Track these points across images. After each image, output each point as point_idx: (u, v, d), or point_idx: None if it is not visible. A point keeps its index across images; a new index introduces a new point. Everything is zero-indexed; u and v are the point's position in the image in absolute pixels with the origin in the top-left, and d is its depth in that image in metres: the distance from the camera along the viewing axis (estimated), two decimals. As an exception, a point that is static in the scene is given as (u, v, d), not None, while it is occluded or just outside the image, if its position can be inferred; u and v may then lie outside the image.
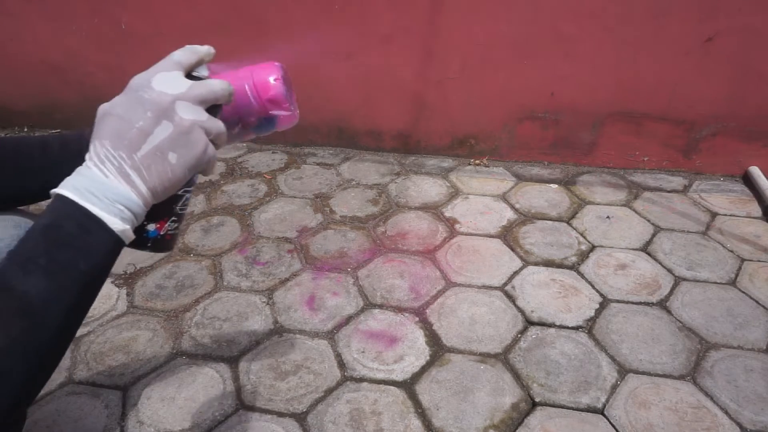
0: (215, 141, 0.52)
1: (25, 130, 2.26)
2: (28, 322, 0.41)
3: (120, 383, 1.15)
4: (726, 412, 1.08)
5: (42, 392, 1.12)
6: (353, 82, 1.96)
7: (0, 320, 0.40)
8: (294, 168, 2.00)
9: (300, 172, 1.98)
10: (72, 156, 0.67)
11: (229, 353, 1.22)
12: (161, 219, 0.58)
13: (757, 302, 1.36)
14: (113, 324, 1.30)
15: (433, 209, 1.75)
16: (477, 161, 2.03)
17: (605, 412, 1.09)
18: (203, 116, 0.50)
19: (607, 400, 1.11)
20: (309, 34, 1.87)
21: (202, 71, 0.54)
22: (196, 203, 1.78)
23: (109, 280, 1.43)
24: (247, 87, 0.66)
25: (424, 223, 1.67)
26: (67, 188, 0.45)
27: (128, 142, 0.46)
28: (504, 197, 1.81)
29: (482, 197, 1.81)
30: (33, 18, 2.00)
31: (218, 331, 1.28)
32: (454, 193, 1.84)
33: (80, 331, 1.28)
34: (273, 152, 2.12)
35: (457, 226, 1.66)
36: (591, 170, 1.97)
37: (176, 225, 0.60)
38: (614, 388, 1.14)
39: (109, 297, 1.38)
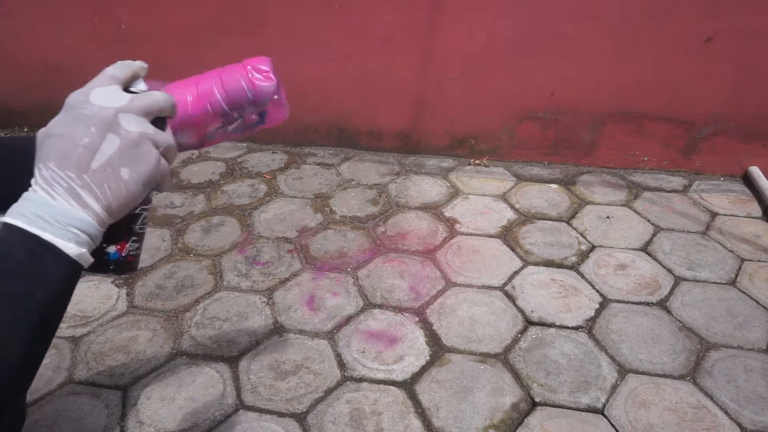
0: (166, 155, 0.50)
1: (25, 130, 2.26)
2: None
3: (120, 383, 1.15)
4: (726, 412, 1.08)
5: (42, 392, 1.12)
6: (353, 82, 1.96)
7: None
8: (294, 168, 2.00)
9: (300, 172, 1.98)
10: None
11: (229, 353, 1.22)
12: (121, 240, 0.56)
13: (757, 302, 1.36)
14: (113, 324, 1.30)
15: (433, 209, 1.75)
16: (477, 161, 2.03)
17: (605, 412, 1.09)
18: (150, 128, 0.48)
19: (607, 400, 1.11)
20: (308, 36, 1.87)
21: (140, 85, 0.53)
22: (196, 203, 1.78)
23: (108, 281, 1.43)
24: (242, 81, 0.67)
25: (424, 223, 1.67)
26: (13, 215, 0.43)
27: (75, 160, 0.44)
28: (504, 197, 1.81)
29: (482, 197, 1.81)
30: (33, 18, 2.00)
31: (218, 331, 1.28)
32: (454, 193, 1.84)
33: (80, 331, 1.28)
34: (273, 152, 2.12)
35: (457, 226, 1.66)
36: (591, 170, 1.97)
37: (137, 245, 0.59)
38: (614, 388, 1.14)
39: (109, 297, 1.38)
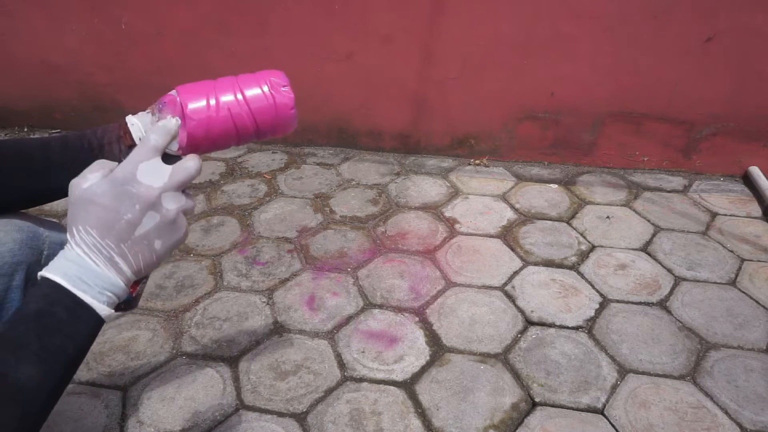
0: (187, 216, 0.55)
1: (25, 130, 2.26)
2: (18, 410, 0.42)
3: (120, 383, 1.15)
4: (726, 412, 1.08)
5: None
6: (353, 82, 1.96)
7: None
8: (294, 168, 2.00)
9: (300, 172, 1.98)
10: (72, 159, 0.67)
11: (229, 353, 1.22)
12: (135, 284, 0.60)
13: (757, 302, 1.36)
14: (113, 324, 1.30)
15: (433, 209, 1.75)
16: (477, 161, 2.03)
17: (605, 412, 1.09)
18: (182, 200, 0.52)
19: (607, 400, 1.11)
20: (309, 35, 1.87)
21: (173, 145, 0.57)
22: (196, 203, 1.78)
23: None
24: (271, 112, 0.66)
25: (424, 223, 1.67)
26: (56, 274, 0.47)
27: (116, 232, 0.48)
28: (504, 197, 1.81)
29: (482, 197, 1.81)
30: (33, 18, 2.00)
31: (218, 331, 1.28)
32: (454, 193, 1.84)
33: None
34: (273, 152, 2.12)
35: (457, 226, 1.66)
36: (591, 170, 1.97)
37: (145, 284, 0.63)
38: (614, 388, 1.14)
39: (109, 297, 1.38)
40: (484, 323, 1.30)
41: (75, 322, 0.46)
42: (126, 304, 0.60)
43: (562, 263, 1.50)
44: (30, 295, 0.47)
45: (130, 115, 0.68)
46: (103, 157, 0.68)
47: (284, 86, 0.66)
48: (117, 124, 0.69)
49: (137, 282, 0.61)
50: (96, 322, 0.48)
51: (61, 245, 0.72)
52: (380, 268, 1.48)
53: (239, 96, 0.64)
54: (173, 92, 0.65)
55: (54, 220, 0.78)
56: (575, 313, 1.33)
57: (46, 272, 0.47)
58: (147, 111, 0.68)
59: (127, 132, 0.68)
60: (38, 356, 0.44)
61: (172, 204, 0.51)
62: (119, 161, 0.69)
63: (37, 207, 0.70)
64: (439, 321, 1.30)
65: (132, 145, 0.69)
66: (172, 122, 0.55)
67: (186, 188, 0.55)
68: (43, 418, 0.46)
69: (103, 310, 0.48)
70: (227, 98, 0.64)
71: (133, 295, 0.61)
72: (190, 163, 0.53)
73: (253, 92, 0.64)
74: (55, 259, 0.48)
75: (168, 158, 0.54)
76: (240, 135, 0.65)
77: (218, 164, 2.02)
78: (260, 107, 0.65)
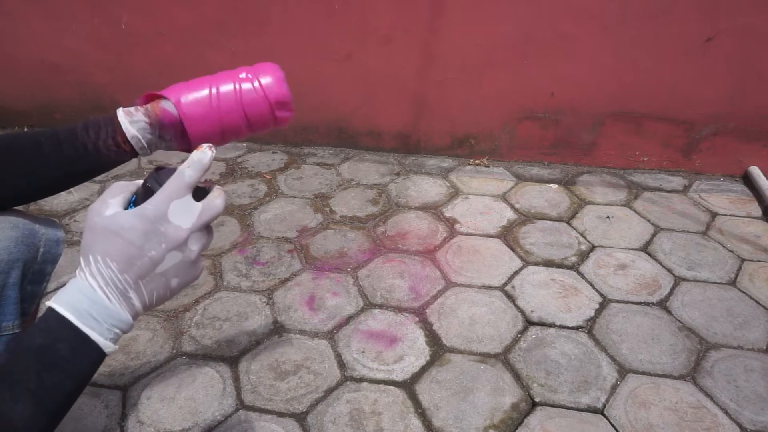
0: (203, 251, 0.54)
1: (25, 130, 2.26)
2: None
3: (120, 383, 1.15)
4: (726, 412, 1.08)
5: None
6: (353, 82, 1.96)
7: None
8: (294, 168, 2.00)
9: (300, 172, 1.98)
10: (65, 156, 0.67)
11: (229, 353, 1.22)
12: None
13: (757, 302, 1.36)
14: (113, 324, 1.30)
15: (433, 209, 1.75)
16: (477, 161, 2.03)
17: (605, 412, 1.09)
18: (205, 239, 0.52)
19: (607, 400, 1.11)
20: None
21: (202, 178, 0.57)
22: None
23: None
24: (253, 88, 0.68)
25: (424, 223, 1.67)
26: (65, 307, 0.45)
27: (137, 268, 0.47)
28: (504, 197, 1.81)
29: (482, 197, 1.81)
30: (33, 18, 2.00)
31: (218, 331, 1.28)
32: (454, 193, 1.84)
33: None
34: (273, 152, 2.12)
35: (457, 226, 1.66)
36: (591, 170, 1.97)
37: None
38: (614, 388, 1.14)
39: (109, 297, 1.38)
40: (484, 323, 1.30)
41: (77, 359, 0.46)
42: None
43: (562, 263, 1.50)
44: (35, 327, 0.46)
45: (122, 117, 0.68)
46: (98, 157, 0.68)
47: (279, 78, 0.70)
48: (108, 121, 0.68)
49: None
50: (98, 357, 0.47)
51: (57, 242, 0.73)
52: (380, 268, 1.48)
53: (239, 103, 0.69)
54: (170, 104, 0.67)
55: (51, 218, 0.77)
56: (575, 313, 1.33)
57: (54, 303, 0.46)
58: (136, 108, 0.69)
59: (126, 141, 0.68)
60: (34, 394, 0.43)
61: (196, 245, 0.50)
62: (113, 160, 0.69)
63: (37, 206, 0.70)
64: (439, 321, 1.30)
65: (132, 152, 0.70)
66: (207, 155, 0.53)
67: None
68: None
69: (108, 347, 0.47)
70: (223, 88, 0.68)
71: None
72: (217, 201, 0.52)
73: (251, 103, 0.69)
74: (66, 288, 0.46)
75: (197, 192, 0.52)
76: (229, 122, 0.68)
77: (218, 164, 2.02)
78: (256, 115, 0.70)
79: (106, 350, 0.47)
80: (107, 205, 0.48)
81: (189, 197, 0.50)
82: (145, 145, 0.71)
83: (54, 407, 0.45)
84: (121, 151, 0.70)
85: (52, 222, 0.74)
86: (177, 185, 0.50)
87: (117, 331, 0.47)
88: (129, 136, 0.69)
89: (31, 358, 0.44)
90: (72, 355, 0.45)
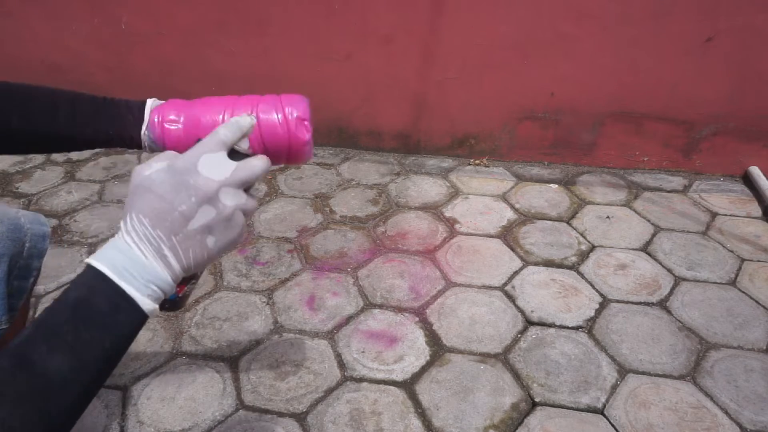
0: (246, 216, 0.52)
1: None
2: (46, 404, 0.40)
3: (120, 383, 1.15)
4: (726, 412, 1.08)
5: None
6: (353, 82, 1.96)
7: (18, 400, 0.39)
8: (294, 168, 2.00)
9: (300, 172, 1.98)
10: (77, 130, 0.64)
11: (229, 353, 1.22)
12: (183, 284, 0.58)
13: (757, 302, 1.36)
14: (113, 324, 1.30)
15: (433, 209, 1.75)
16: (477, 161, 2.03)
17: (605, 412, 1.09)
18: (243, 199, 0.50)
19: (607, 400, 1.11)
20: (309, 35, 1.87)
21: (243, 143, 0.54)
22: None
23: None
24: (277, 120, 0.62)
25: (424, 223, 1.67)
26: (103, 263, 0.45)
27: (169, 224, 0.46)
28: (504, 197, 1.81)
29: (482, 197, 1.81)
30: (33, 18, 2.00)
31: (218, 331, 1.28)
32: (454, 193, 1.84)
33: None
34: (273, 152, 2.11)
35: (457, 226, 1.66)
36: (591, 170, 1.97)
37: (194, 286, 0.61)
38: (614, 388, 1.14)
39: (109, 297, 1.38)
40: (484, 323, 1.30)
41: (115, 315, 0.44)
42: (171, 304, 0.58)
43: (562, 263, 1.50)
44: (73, 282, 0.45)
45: (144, 131, 0.64)
46: (108, 143, 0.66)
47: (305, 120, 0.62)
48: (136, 121, 0.64)
49: (186, 281, 0.58)
50: (138, 317, 0.45)
51: (43, 237, 0.72)
52: (380, 268, 1.48)
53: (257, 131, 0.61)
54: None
55: (36, 213, 0.77)
56: (575, 313, 1.33)
57: (92, 259, 0.45)
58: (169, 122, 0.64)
59: (141, 142, 0.65)
60: (72, 348, 0.42)
61: (231, 200, 0.48)
62: (120, 144, 0.66)
63: (37, 206, 0.70)
64: (439, 321, 1.30)
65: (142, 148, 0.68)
66: (246, 120, 0.52)
67: (250, 187, 0.52)
68: (71, 417, 0.43)
69: (146, 304, 0.45)
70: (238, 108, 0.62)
71: (180, 295, 0.59)
72: (256, 161, 0.51)
73: (268, 116, 0.60)
74: (104, 246, 0.46)
75: (236, 156, 0.51)
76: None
77: (218, 164, 2.02)
78: (273, 134, 0.61)
79: (145, 308, 0.45)
80: (150, 167, 0.48)
81: (223, 154, 0.49)
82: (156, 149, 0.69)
83: (92, 365, 0.43)
84: (135, 145, 0.68)
85: (37, 217, 0.74)
86: (209, 141, 0.49)
87: (154, 288, 0.46)
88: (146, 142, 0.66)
89: (67, 311, 0.43)
90: (110, 310, 0.44)
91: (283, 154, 0.62)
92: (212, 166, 0.48)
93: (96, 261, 0.45)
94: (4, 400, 0.38)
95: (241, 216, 0.50)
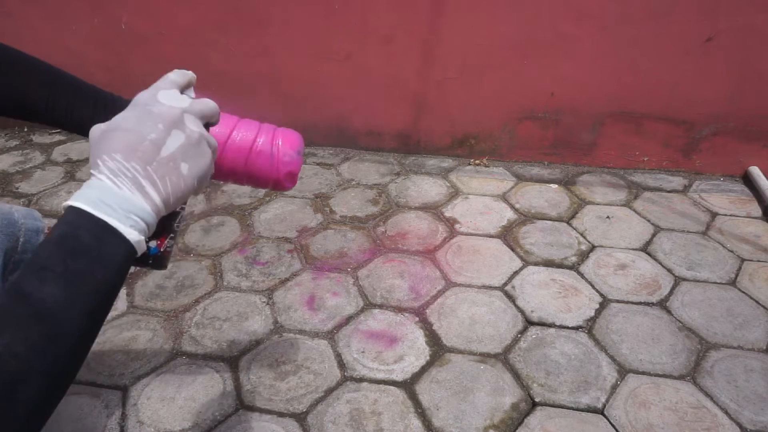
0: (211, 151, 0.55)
1: (25, 130, 2.26)
2: (46, 328, 0.40)
3: (120, 383, 1.15)
4: (726, 412, 1.08)
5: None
6: (353, 82, 1.96)
7: (18, 326, 0.39)
8: (294, 168, 2.00)
9: (300, 172, 1.97)
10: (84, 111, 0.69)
11: (229, 353, 1.22)
12: (161, 236, 0.59)
13: (757, 302, 1.36)
14: (113, 324, 1.30)
15: (433, 209, 1.75)
16: (477, 161, 2.03)
17: (605, 412, 1.09)
18: (204, 131, 0.52)
19: (607, 400, 1.11)
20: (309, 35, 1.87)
21: (191, 93, 0.57)
22: (196, 203, 1.78)
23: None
24: (272, 150, 0.69)
25: (424, 223, 1.67)
26: (79, 200, 0.45)
27: (141, 153, 0.46)
28: (504, 197, 1.81)
29: (482, 197, 1.81)
30: (33, 18, 2.00)
31: (218, 331, 1.28)
32: (454, 193, 1.84)
33: (80, 331, 1.28)
34: (273, 152, 2.11)
35: (457, 226, 1.66)
36: (591, 170, 1.97)
37: (173, 242, 0.62)
38: (614, 388, 1.14)
39: (109, 297, 1.38)
40: (484, 323, 1.30)
41: (101, 246, 0.44)
42: (155, 259, 0.59)
43: (562, 263, 1.50)
44: (54, 225, 0.44)
45: None
46: None
47: (297, 152, 0.69)
48: None
49: (165, 236, 0.59)
50: (125, 249, 0.45)
51: (37, 232, 0.73)
52: (380, 268, 1.48)
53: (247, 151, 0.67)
54: None
55: (30, 208, 0.78)
56: (575, 313, 1.33)
57: (68, 201, 0.45)
58: None
59: None
60: (63, 277, 0.41)
61: (195, 126, 0.50)
62: None
63: (38, 206, 0.71)
64: (439, 321, 1.30)
65: None
66: (189, 72, 0.56)
67: (208, 126, 0.54)
68: (79, 345, 0.43)
69: (130, 234, 0.45)
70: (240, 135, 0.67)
71: (161, 249, 0.59)
72: (208, 100, 0.54)
73: (262, 148, 0.69)
74: (81, 189, 0.46)
75: None
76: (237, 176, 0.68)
77: (218, 164, 2.02)
78: (260, 169, 0.69)
79: (129, 237, 0.45)
80: (107, 121, 0.50)
81: (177, 91, 0.52)
82: None
83: (88, 295, 0.43)
84: None
85: (31, 212, 0.74)
86: (162, 82, 0.52)
87: (136, 218, 0.45)
88: None
89: (53, 247, 0.43)
90: (95, 242, 0.44)
91: (262, 185, 0.69)
92: (171, 97, 0.50)
93: (73, 201, 0.45)
94: (4, 329, 0.38)
95: (207, 146, 0.51)
